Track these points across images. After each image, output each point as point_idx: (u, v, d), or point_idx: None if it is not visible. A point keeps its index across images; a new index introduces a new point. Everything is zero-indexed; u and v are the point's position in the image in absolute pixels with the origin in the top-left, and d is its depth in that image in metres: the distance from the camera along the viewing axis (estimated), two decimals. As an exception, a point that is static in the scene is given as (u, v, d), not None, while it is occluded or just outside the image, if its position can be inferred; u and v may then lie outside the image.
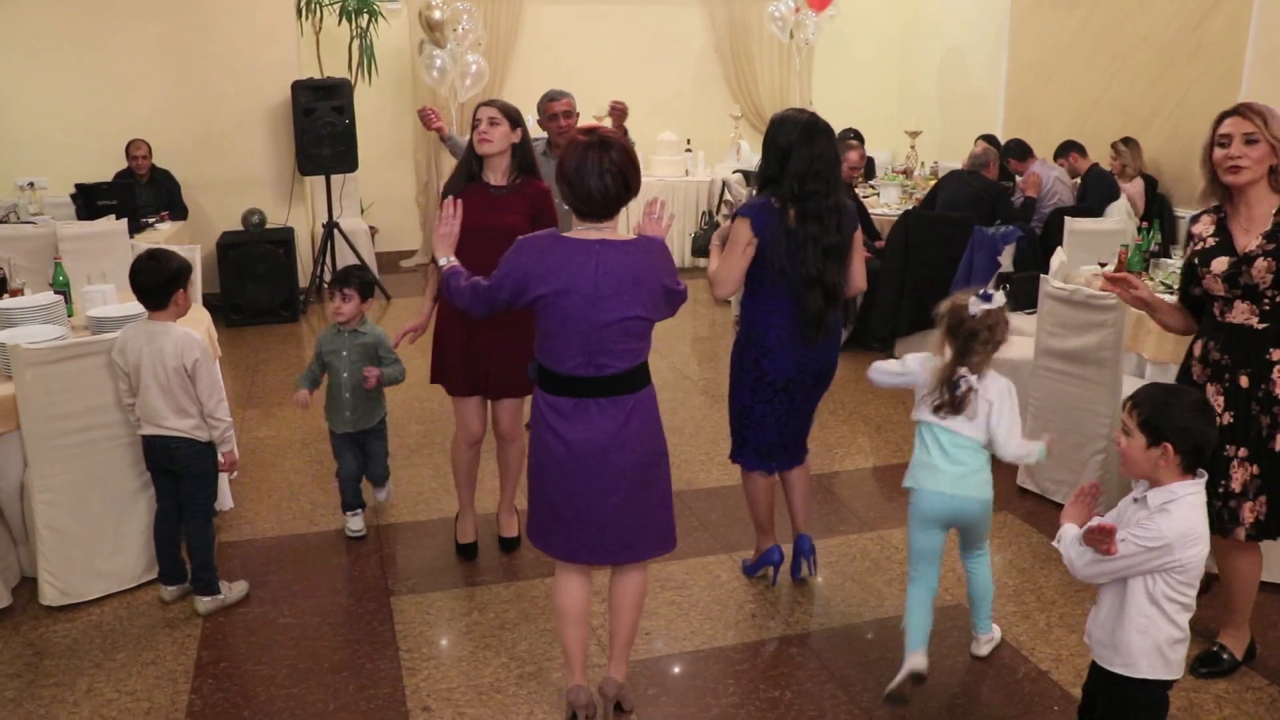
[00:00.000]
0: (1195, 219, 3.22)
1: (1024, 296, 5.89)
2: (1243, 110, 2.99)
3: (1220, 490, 3.07)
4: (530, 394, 3.02)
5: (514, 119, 3.71)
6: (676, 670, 3.31)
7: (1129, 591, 2.34)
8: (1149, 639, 2.33)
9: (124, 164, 7.59)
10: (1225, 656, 3.28)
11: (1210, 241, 3.10)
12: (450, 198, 3.02)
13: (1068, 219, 6.05)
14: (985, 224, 6.24)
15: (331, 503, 4.48)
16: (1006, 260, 6.00)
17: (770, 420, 3.59)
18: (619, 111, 5.06)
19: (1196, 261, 3.11)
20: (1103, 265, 5.12)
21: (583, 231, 2.71)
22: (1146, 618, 2.32)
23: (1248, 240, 3.02)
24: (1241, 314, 3.04)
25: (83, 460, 3.60)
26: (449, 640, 3.49)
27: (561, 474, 2.76)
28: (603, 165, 2.63)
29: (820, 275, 3.39)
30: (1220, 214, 3.12)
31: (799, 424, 3.68)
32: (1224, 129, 3.00)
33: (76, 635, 3.49)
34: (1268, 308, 3.00)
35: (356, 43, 8.89)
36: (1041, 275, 4.55)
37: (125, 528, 3.72)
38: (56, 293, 4.37)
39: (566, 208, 2.76)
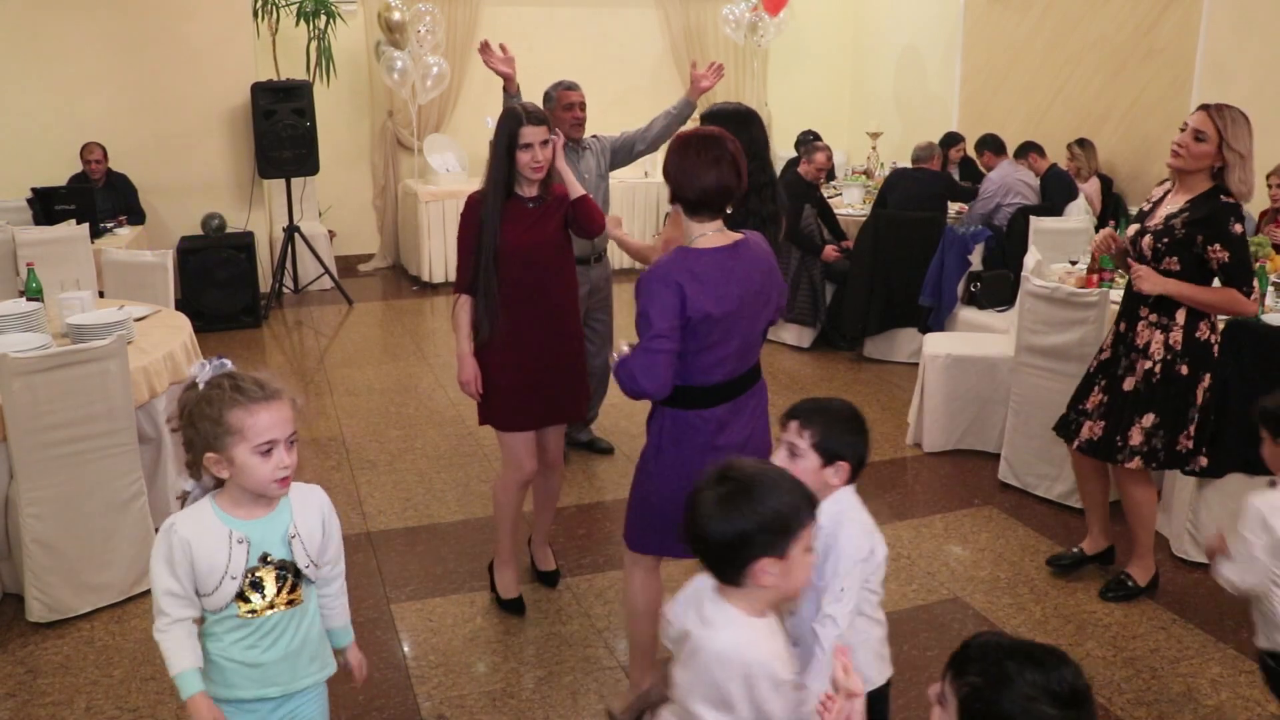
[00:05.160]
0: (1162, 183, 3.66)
1: (994, 294, 6.02)
2: (1211, 111, 3.27)
3: (1080, 407, 3.67)
4: None
5: (550, 128, 3.37)
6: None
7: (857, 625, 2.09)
8: (864, 650, 2.13)
9: (77, 167, 7.39)
10: (1076, 551, 3.87)
11: (1146, 206, 3.57)
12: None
13: (1033, 218, 6.17)
14: (940, 211, 6.38)
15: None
16: (976, 259, 6.11)
17: None
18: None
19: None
20: (1074, 263, 5.23)
21: (712, 238, 2.59)
22: (857, 629, 2.10)
23: (1158, 217, 3.43)
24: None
25: (72, 472, 3.50)
26: (455, 647, 3.45)
27: None
28: (726, 159, 2.54)
29: None
30: (1169, 189, 3.50)
31: None
32: (1190, 118, 3.31)
33: (69, 652, 3.39)
34: None
35: (314, 44, 8.76)
36: (1022, 275, 4.62)
37: (115, 540, 3.63)
38: (30, 300, 4.26)
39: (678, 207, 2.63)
